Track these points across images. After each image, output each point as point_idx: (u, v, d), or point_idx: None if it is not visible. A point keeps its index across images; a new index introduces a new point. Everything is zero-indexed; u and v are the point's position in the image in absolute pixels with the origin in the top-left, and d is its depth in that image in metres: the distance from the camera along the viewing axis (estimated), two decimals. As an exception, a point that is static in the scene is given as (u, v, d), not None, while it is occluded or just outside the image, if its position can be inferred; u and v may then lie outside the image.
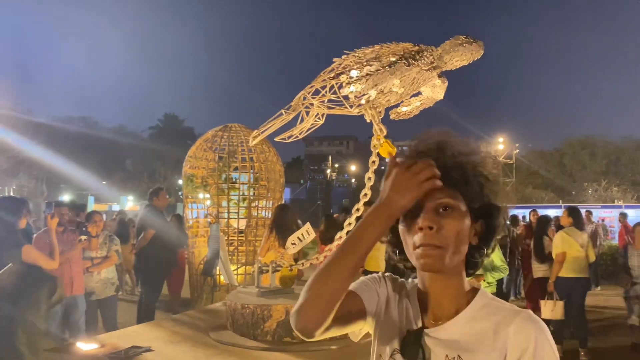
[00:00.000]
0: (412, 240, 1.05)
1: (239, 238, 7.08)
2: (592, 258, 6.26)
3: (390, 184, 1.04)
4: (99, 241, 5.44)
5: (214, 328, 4.02)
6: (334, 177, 48.85)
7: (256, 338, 3.65)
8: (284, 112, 3.92)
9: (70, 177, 27.77)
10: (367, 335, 1.23)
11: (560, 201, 23.36)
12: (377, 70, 3.21)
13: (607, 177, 29.75)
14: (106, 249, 5.54)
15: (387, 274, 1.24)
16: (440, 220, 1.03)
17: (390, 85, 3.24)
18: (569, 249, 6.00)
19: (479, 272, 1.87)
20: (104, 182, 33.39)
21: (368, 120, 3.61)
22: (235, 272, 6.52)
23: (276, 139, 4.24)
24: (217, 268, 5.74)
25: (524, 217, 12.83)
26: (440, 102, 3.81)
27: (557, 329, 5.86)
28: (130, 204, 29.39)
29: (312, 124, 3.95)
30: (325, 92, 3.51)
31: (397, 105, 3.78)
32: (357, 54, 3.41)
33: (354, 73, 3.34)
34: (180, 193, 24.53)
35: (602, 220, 15.53)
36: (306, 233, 4.14)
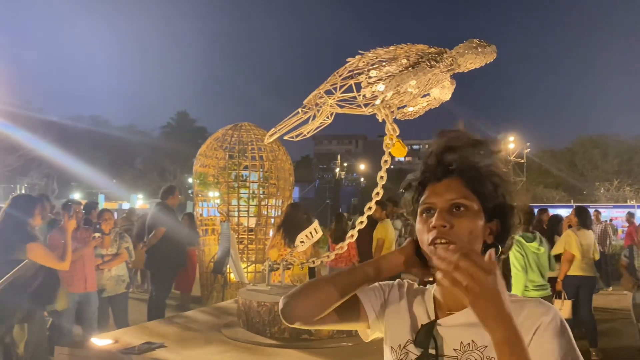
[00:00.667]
0: (426, 238, 1.09)
1: (249, 236, 7.12)
2: (596, 257, 6.33)
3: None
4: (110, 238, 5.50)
5: (226, 325, 4.04)
6: (342, 176, 48.84)
7: (273, 335, 3.62)
8: (300, 111, 3.94)
9: (81, 175, 28.03)
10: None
11: (572, 200, 23.20)
12: (400, 72, 3.22)
13: (619, 177, 29.49)
14: (116, 246, 5.60)
15: (404, 280, 1.29)
16: (453, 220, 1.07)
17: (407, 86, 3.25)
18: (575, 248, 6.01)
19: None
20: (114, 181, 33.70)
21: (380, 120, 3.60)
22: (245, 270, 6.56)
23: (285, 138, 4.25)
24: (228, 266, 5.78)
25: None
26: (451, 101, 3.81)
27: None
28: (140, 202, 29.57)
29: (321, 123, 3.96)
30: (342, 91, 3.51)
31: (404, 105, 3.78)
32: (370, 55, 3.41)
33: (373, 73, 3.35)
34: (190, 191, 24.67)
35: (611, 220, 15.48)
36: (314, 231, 4.14)
